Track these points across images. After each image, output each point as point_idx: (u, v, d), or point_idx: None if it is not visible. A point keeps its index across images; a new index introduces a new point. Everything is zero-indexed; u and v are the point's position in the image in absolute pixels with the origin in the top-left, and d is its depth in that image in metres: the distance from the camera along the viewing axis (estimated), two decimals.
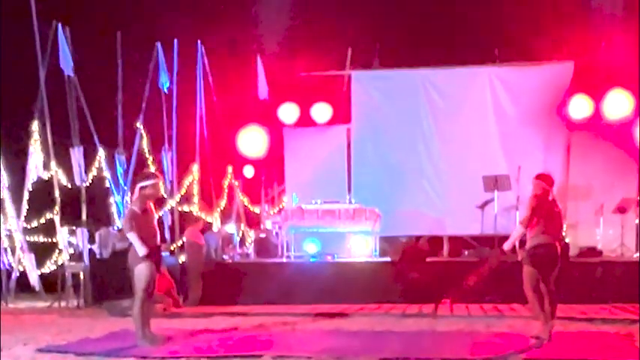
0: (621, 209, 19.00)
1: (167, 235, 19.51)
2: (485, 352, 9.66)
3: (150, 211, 10.82)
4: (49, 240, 19.77)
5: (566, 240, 17.94)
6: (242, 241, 21.42)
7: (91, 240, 18.76)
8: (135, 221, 10.58)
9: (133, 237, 10.54)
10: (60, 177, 18.93)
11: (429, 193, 20.98)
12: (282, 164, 22.24)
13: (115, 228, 19.06)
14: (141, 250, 10.51)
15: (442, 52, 20.82)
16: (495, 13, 19.73)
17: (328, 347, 10.25)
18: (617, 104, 19.82)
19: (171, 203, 19.62)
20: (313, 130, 21.90)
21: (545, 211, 10.78)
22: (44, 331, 12.94)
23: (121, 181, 20.00)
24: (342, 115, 21.75)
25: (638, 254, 18.93)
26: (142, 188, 10.82)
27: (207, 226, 19.60)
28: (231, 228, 20.49)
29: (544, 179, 11.15)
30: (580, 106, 20.04)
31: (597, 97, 19.94)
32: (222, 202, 21.42)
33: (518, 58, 20.74)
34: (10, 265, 19.24)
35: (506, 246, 11.12)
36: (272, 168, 22.47)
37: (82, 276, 18.17)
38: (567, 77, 20.20)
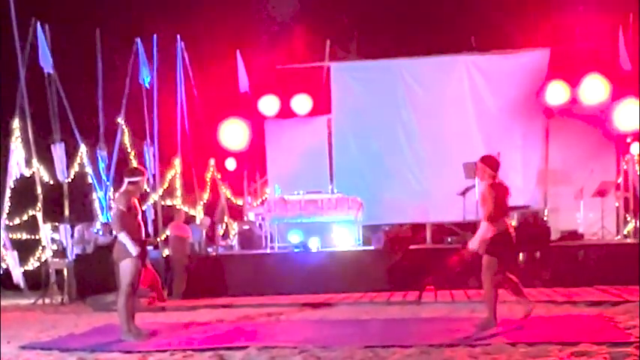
0: (601, 192, 19.16)
1: (150, 229, 19.53)
2: (470, 338, 9.74)
3: (134, 206, 10.83)
4: (32, 237, 19.80)
5: (548, 224, 18.12)
6: (226, 234, 21.47)
7: (74, 235, 18.79)
8: (123, 220, 10.60)
9: (124, 237, 10.55)
10: (42, 173, 18.96)
11: (410, 181, 21.09)
12: (264, 156, 22.28)
13: (99, 224, 19.08)
14: (133, 249, 10.53)
15: (419, 42, 20.99)
16: (471, 1, 19.85)
17: (313, 337, 10.32)
18: (593, 89, 19.91)
19: (154, 197, 19.63)
20: (294, 122, 21.93)
21: (499, 198, 10.35)
22: (28, 328, 12.95)
23: (104, 177, 20.03)
24: (322, 106, 21.79)
25: (618, 237, 19.13)
26: (129, 183, 10.82)
27: (190, 220, 19.63)
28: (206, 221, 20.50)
29: (488, 162, 10.61)
30: (557, 92, 20.12)
31: (574, 83, 20.03)
32: (205, 195, 21.48)
33: (494, 46, 20.85)
34: None
35: (474, 244, 10.43)
36: (254, 160, 22.50)
37: (65, 272, 18.17)
38: (544, 64, 20.32)
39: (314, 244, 18.35)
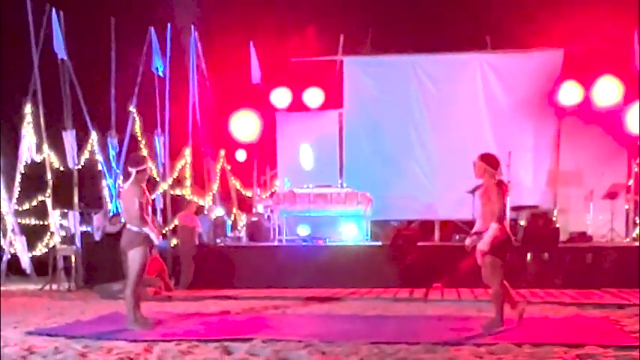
0: (611, 195, 19.11)
1: (159, 219, 19.54)
2: (476, 337, 9.73)
3: (145, 195, 10.84)
4: (41, 223, 19.84)
5: (557, 225, 18.08)
6: (234, 225, 21.49)
7: (83, 222, 18.82)
8: (145, 212, 10.65)
9: (149, 230, 10.62)
10: (52, 160, 18.99)
11: (420, 177, 21.09)
12: (274, 148, 22.29)
13: (110, 214, 19.11)
14: (156, 239, 10.66)
15: (434, 39, 20.93)
16: (486, 0, 19.80)
17: (319, 331, 10.31)
18: (606, 91, 19.91)
19: (163, 187, 19.64)
20: (305, 115, 21.94)
21: (504, 199, 10.21)
22: (35, 313, 12.97)
23: (114, 164, 20.05)
24: (334, 100, 21.80)
25: (628, 239, 19.09)
26: (137, 173, 10.81)
27: (200, 210, 19.65)
28: (219, 211, 20.57)
29: (488, 160, 10.37)
30: (570, 93, 20.12)
31: (587, 84, 20.02)
32: (215, 186, 21.50)
33: (509, 46, 20.82)
34: (1, 247, 19.28)
35: (484, 246, 10.17)
36: (264, 152, 22.52)
37: (73, 259, 18.22)
38: (557, 64, 20.32)
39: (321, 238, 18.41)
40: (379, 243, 18.35)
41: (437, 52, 21.23)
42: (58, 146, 18.92)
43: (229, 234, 20.31)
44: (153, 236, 10.62)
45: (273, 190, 22.08)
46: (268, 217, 20.11)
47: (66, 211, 18.90)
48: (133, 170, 10.83)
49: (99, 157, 19.78)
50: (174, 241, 18.43)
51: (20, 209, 19.73)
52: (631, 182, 19.97)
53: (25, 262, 19.35)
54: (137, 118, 20.32)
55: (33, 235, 19.87)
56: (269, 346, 9.20)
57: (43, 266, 19.19)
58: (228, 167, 22.01)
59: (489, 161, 10.37)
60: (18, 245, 19.29)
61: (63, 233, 19.00)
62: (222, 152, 21.83)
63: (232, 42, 20.77)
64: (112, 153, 20.07)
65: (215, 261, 17.61)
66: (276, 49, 21.14)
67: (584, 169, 20.16)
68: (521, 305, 10.72)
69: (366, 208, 18.93)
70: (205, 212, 20.00)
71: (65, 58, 18.67)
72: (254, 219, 20.37)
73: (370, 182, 20.05)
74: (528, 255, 16.54)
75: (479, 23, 20.40)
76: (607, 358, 8.36)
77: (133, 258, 10.63)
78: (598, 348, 8.79)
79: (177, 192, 20.14)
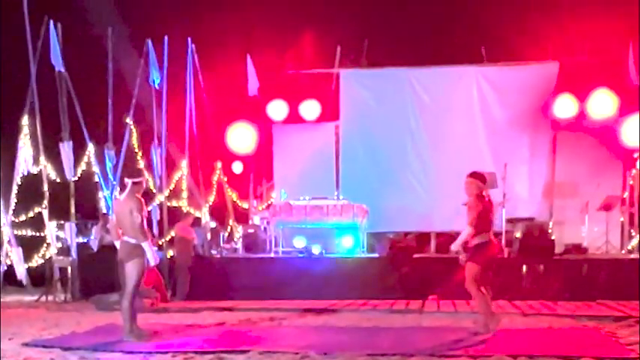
0: (606, 207, 19.17)
1: (155, 230, 19.52)
2: (471, 348, 9.75)
3: (144, 209, 10.87)
4: (37, 234, 19.83)
5: (552, 237, 18.13)
6: (230, 237, 21.49)
7: (79, 234, 18.82)
8: (145, 227, 10.69)
9: (147, 246, 10.64)
10: (49, 171, 18.99)
11: (416, 189, 21.12)
12: (270, 160, 22.32)
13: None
14: (153, 260, 10.66)
15: (429, 52, 20.98)
16: (482, 13, 19.87)
17: (315, 343, 10.33)
18: (601, 104, 20.00)
19: (159, 198, 19.64)
20: (302, 127, 21.99)
21: (485, 210, 10.90)
22: (31, 325, 12.98)
23: (110, 176, 20.03)
24: (330, 113, 21.85)
25: (623, 251, 19.13)
26: (134, 184, 10.85)
27: (196, 222, 19.65)
28: (213, 224, 20.59)
29: (477, 177, 11.12)
30: (565, 106, 20.21)
31: (582, 97, 20.09)
32: (211, 198, 21.50)
33: (504, 58, 20.88)
34: None
35: (454, 247, 11.20)
36: (261, 164, 22.54)
37: (69, 270, 18.21)
38: (552, 77, 20.37)
39: (317, 249, 18.35)
40: (375, 255, 18.37)
41: (433, 64, 21.25)
42: (54, 158, 18.92)
43: (225, 245, 20.29)
44: (150, 256, 10.64)
45: (269, 202, 22.08)
46: (264, 228, 20.12)
47: (62, 222, 18.89)
48: (129, 181, 10.89)
49: (96, 168, 19.78)
50: (170, 253, 18.42)
51: (17, 220, 19.72)
52: (626, 194, 20.03)
53: (22, 274, 19.30)
54: (134, 130, 20.32)
55: (29, 246, 19.84)
56: (265, 357, 9.25)
57: (39, 277, 19.19)
58: (225, 179, 22.02)
59: (479, 177, 11.14)
60: (14, 256, 19.25)
61: (59, 245, 18.97)
62: (219, 164, 21.84)
63: (229, 54, 20.83)
64: (109, 165, 20.04)
65: (211, 272, 17.61)
66: (272, 62, 21.21)
67: (579, 181, 20.23)
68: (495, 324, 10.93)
69: (362, 220, 18.95)
70: (202, 223, 20.00)
71: (62, 70, 18.68)
72: (250, 230, 20.38)
73: (366, 194, 20.06)
74: (524, 267, 16.56)
75: (474, 36, 20.47)
76: None
77: (131, 270, 10.66)
78: None
79: (174, 204, 20.14)
